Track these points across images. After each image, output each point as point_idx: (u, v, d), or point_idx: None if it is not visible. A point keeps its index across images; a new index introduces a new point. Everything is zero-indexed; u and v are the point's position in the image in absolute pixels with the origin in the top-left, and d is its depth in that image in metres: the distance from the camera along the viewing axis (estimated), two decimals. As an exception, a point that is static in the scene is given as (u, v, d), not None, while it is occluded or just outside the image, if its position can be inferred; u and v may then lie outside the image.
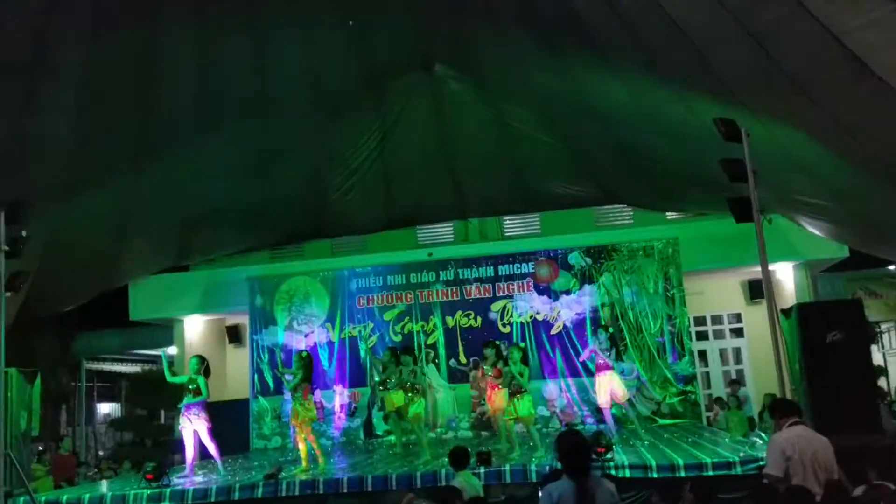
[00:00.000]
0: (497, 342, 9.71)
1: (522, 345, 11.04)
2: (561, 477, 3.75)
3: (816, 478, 4.67)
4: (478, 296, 12.63)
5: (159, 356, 18.02)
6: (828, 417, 5.99)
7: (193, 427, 8.80)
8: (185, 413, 8.85)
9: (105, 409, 19.81)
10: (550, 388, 12.17)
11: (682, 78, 6.84)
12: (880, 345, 17.15)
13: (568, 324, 12.27)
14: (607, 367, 9.40)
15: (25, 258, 7.42)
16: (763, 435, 8.82)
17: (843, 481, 4.80)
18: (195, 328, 14.68)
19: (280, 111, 9.52)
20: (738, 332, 13.67)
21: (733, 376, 13.51)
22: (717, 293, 13.41)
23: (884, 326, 16.74)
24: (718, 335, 13.81)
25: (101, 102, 7.56)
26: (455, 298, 12.68)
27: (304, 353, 8.95)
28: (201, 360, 9.10)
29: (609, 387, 9.35)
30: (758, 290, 12.48)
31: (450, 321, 12.58)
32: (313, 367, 9.05)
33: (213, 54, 7.90)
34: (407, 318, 12.77)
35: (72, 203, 8.75)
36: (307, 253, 14.33)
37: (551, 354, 12.24)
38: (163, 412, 15.99)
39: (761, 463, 6.28)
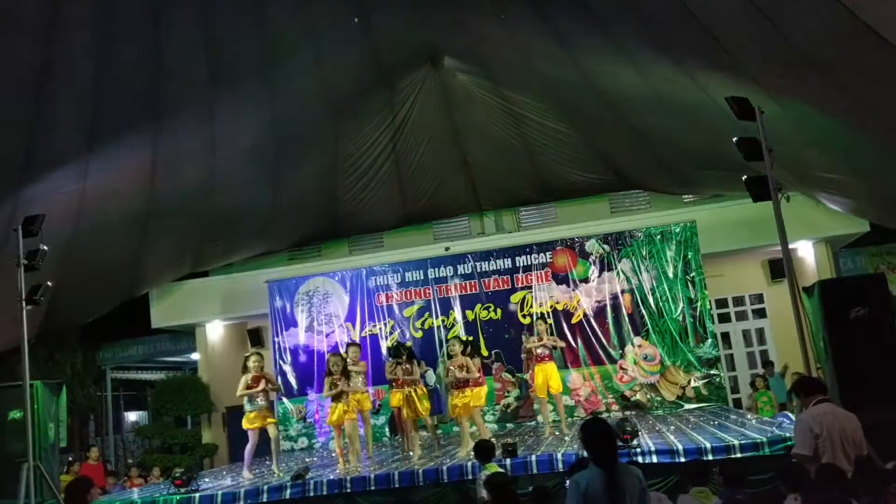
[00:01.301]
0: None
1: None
2: (588, 466, 3.73)
3: (846, 454, 4.62)
4: (496, 288, 12.59)
5: (183, 362, 18.21)
6: (854, 393, 5.91)
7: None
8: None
9: (132, 417, 20.01)
10: (574, 377, 12.13)
11: (693, 58, 6.77)
12: (906, 319, 16.92)
13: (588, 312, 12.21)
14: (547, 359, 9.44)
15: (44, 271, 7.49)
16: (790, 415, 8.73)
17: (873, 456, 4.74)
18: (217, 333, 14.79)
19: (292, 113, 9.55)
20: (760, 313, 13.54)
21: (757, 358, 13.39)
22: (737, 274, 13.29)
23: (909, 300, 16.52)
24: (741, 317, 13.68)
25: (111, 112, 7.62)
26: (474, 292, 12.65)
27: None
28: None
29: (544, 377, 9.33)
30: (779, 269, 12.36)
31: (469, 315, 12.56)
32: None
33: (222, 58, 7.94)
34: (427, 314, 12.77)
35: (89, 216, 8.84)
36: (325, 253, 14.37)
37: (573, 343, 12.18)
38: (189, 418, 16.12)
39: (789, 443, 6.22)
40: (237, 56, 8.12)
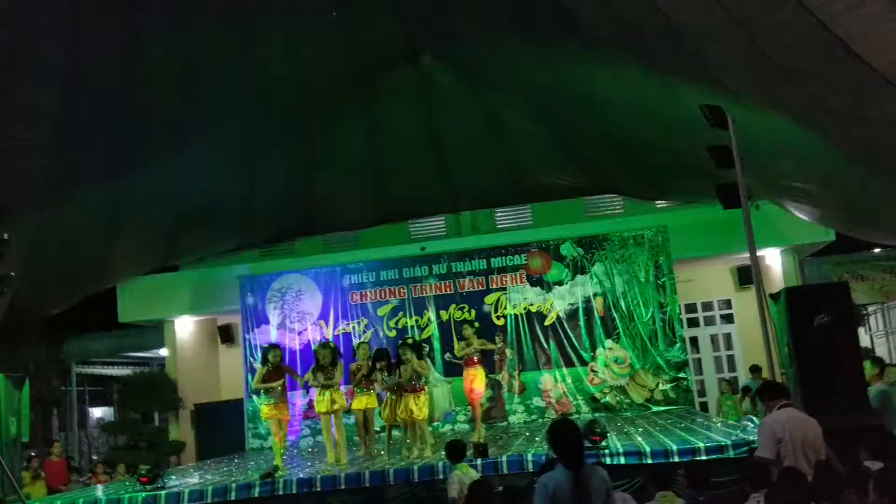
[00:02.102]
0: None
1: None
2: (556, 467, 3.77)
3: (807, 459, 4.73)
4: (471, 289, 12.64)
5: (151, 358, 18.00)
6: (817, 399, 6.04)
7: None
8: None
9: (97, 413, 19.71)
10: (545, 378, 12.22)
11: (670, 66, 6.85)
12: (867, 327, 17.30)
13: (561, 314, 12.32)
14: (475, 363, 9.28)
15: (8, 262, 7.35)
16: (754, 419, 8.89)
17: (833, 461, 4.86)
18: (186, 329, 14.63)
19: (267, 106, 9.48)
20: (728, 318, 13.77)
21: (725, 362, 13.61)
22: (706, 280, 13.50)
23: (870, 309, 16.87)
24: (709, 321, 13.90)
25: (81, 100, 7.49)
26: (448, 292, 12.69)
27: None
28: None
29: (470, 382, 9.23)
30: (747, 275, 12.56)
31: (444, 315, 12.60)
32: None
33: (198, 51, 7.85)
34: (401, 314, 12.77)
35: (56, 205, 8.68)
36: (298, 250, 14.30)
37: (545, 345, 12.28)
38: (157, 414, 15.93)
39: (753, 446, 6.34)
40: (209, 45, 8.02)
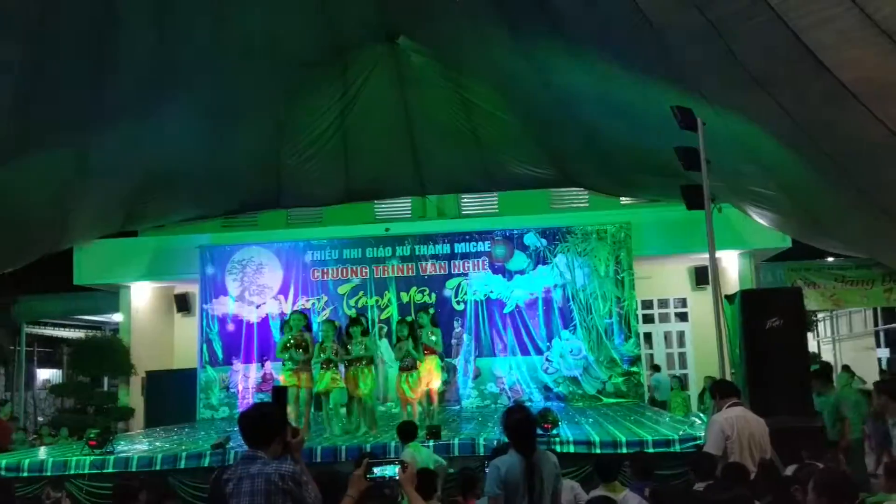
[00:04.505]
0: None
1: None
2: (508, 451, 3.84)
3: (752, 456, 4.89)
4: (433, 272, 12.69)
5: (104, 322, 17.70)
6: (764, 399, 6.22)
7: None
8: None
9: (45, 374, 19.34)
10: (500, 365, 12.35)
11: (644, 65, 6.93)
12: (815, 333, 17.86)
13: (521, 303, 12.44)
14: (432, 352, 9.26)
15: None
16: (702, 416, 9.12)
17: (776, 460, 5.03)
18: (142, 295, 14.42)
19: (239, 74, 9.32)
20: (682, 317, 14.06)
21: (677, 359, 13.92)
22: (664, 278, 13.75)
23: (820, 315, 17.41)
24: (664, 319, 14.18)
25: (48, 56, 7.29)
26: (410, 274, 12.72)
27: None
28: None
29: (428, 374, 9.19)
30: (703, 276, 12.85)
31: (404, 297, 12.63)
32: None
33: (169, 9, 7.68)
34: (361, 293, 12.76)
35: (12, 163, 8.45)
36: (261, 223, 14.16)
37: (503, 333, 12.40)
38: (106, 379, 15.70)
39: (699, 441, 6.53)
40: (185, 8, 7.85)
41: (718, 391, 5.39)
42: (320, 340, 8.87)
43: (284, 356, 8.72)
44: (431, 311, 10.49)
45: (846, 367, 11.75)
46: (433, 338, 9.18)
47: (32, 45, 6.92)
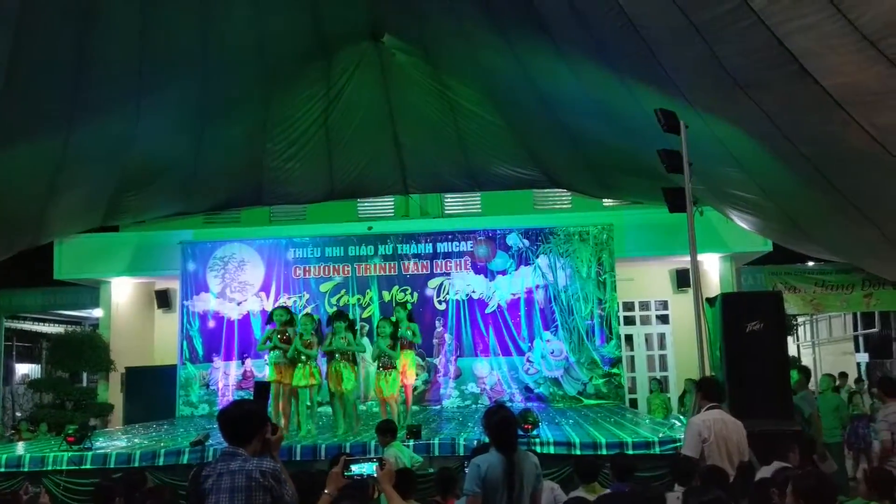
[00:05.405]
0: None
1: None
2: (489, 450, 3.84)
3: (730, 459, 4.91)
4: (415, 272, 12.67)
5: (84, 317, 17.49)
6: (743, 402, 6.26)
7: None
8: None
9: (24, 369, 19.10)
10: (482, 365, 12.36)
11: (629, 67, 6.96)
12: (795, 336, 18.03)
13: (502, 304, 12.45)
14: (410, 346, 9.28)
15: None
16: (681, 418, 9.18)
17: (753, 463, 5.06)
18: (123, 291, 14.29)
19: (223, 70, 9.27)
20: (663, 319, 14.14)
21: (657, 361, 14.00)
22: (646, 280, 13.82)
23: (800, 319, 17.58)
24: (645, 321, 14.25)
25: (33, 47, 7.20)
26: (392, 273, 12.69)
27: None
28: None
29: (403, 369, 9.13)
30: (685, 279, 12.93)
31: (386, 296, 12.60)
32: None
33: (152, 3, 7.61)
34: (343, 291, 12.72)
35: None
36: (244, 220, 14.07)
37: (484, 333, 12.41)
38: (85, 375, 15.53)
39: (678, 444, 6.56)
40: (167, 6, 7.78)
41: (703, 390, 5.39)
42: (299, 333, 8.82)
43: (267, 346, 8.76)
44: (409, 306, 10.45)
45: (843, 374, 12.16)
46: (409, 332, 9.14)
47: (8, 37, 6.83)
